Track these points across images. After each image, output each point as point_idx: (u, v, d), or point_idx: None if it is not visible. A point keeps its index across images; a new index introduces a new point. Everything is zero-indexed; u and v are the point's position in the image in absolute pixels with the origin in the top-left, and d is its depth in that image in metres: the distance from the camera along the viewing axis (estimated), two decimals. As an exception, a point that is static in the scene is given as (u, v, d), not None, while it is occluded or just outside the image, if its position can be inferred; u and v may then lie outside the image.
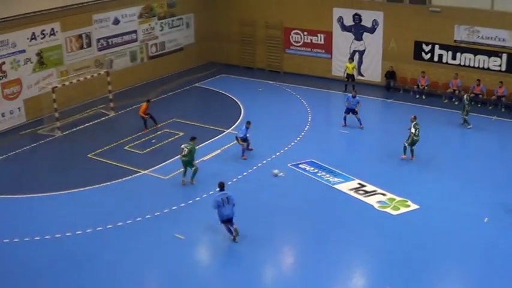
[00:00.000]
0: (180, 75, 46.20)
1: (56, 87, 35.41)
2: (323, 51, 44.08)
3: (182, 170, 28.50)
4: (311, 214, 25.60)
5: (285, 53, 45.73)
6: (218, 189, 23.76)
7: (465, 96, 34.48)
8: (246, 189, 27.79)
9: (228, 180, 28.15)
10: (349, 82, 41.12)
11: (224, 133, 34.35)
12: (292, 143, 32.68)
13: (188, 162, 28.19)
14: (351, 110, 34.76)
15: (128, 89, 42.92)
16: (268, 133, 34.17)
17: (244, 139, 30.93)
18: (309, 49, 44.72)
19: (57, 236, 24.17)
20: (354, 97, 34.74)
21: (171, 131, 34.75)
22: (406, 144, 30.16)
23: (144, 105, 35.32)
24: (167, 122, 36.08)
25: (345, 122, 35.08)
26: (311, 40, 44.46)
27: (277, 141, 32.75)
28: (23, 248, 23.58)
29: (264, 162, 30.39)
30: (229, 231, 23.47)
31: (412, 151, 30.21)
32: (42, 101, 36.64)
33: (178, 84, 44.11)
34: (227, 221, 23.26)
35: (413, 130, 29.89)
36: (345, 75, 41.69)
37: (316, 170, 29.37)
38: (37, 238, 24.04)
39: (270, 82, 43.94)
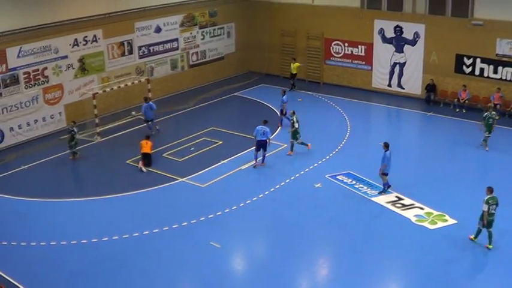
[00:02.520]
0: (220, 84, 46.39)
1: (97, 93, 35.81)
2: (363, 62, 43.90)
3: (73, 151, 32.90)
4: (348, 226, 25.42)
5: (325, 64, 45.64)
6: (145, 102, 35.48)
7: (493, 113, 32.93)
8: (283, 199, 27.77)
9: (265, 190, 28.33)
10: (292, 81, 44.15)
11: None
12: (331, 154, 32.54)
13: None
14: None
15: (168, 96, 43.25)
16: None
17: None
18: (350, 60, 44.58)
19: (93, 240, 24.38)
20: (282, 96, 36.57)
21: (210, 139, 34.85)
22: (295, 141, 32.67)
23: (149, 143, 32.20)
24: (206, 131, 36.20)
25: (280, 123, 36.93)
26: (352, 51, 44.32)
27: (316, 152, 32.61)
28: (60, 251, 23.82)
29: (302, 173, 30.31)
30: (150, 128, 35.41)
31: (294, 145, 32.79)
32: (82, 106, 37.06)
33: (218, 93, 44.29)
34: (149, 121, 35.55)
35: (296, 125, 32.35)
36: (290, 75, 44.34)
37: (353, 182, 29.21)
38: (73, 242, 24.25)
39: (309, 93, 43.86)
